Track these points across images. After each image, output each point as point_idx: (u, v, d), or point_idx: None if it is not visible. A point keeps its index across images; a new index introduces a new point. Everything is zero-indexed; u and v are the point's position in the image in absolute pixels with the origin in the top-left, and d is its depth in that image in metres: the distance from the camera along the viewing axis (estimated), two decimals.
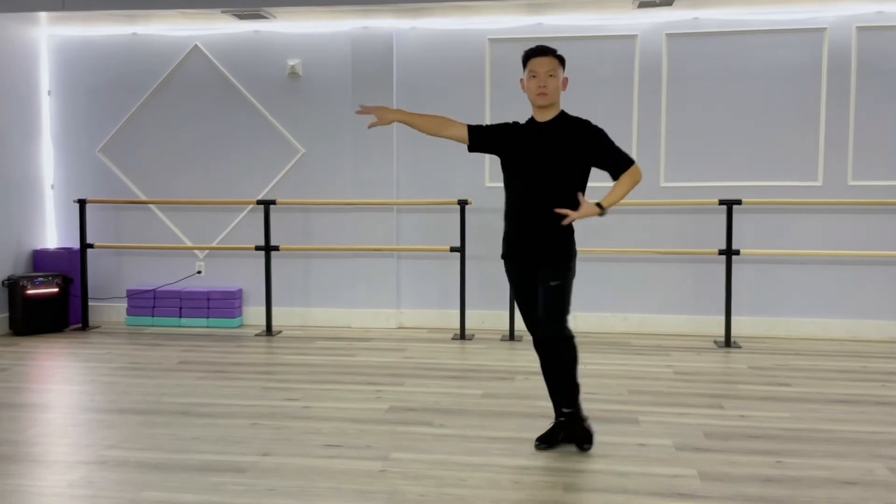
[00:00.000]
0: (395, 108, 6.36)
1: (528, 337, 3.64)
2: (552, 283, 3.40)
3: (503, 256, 3.58)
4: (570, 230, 3.46)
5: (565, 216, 3.37)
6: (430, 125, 3.59)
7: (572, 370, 3.47)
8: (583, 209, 3.35)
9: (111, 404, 4.34)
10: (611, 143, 3.44)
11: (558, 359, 3.44)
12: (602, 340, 6.01)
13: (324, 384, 4.75)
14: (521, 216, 3.48)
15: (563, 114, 3.47)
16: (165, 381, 4.83)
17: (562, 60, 3.45)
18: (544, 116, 3.45)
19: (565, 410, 3.50)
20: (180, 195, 6.76)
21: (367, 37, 6.42)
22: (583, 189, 3.44)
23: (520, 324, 5.85)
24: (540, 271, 3.45)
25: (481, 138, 3.56)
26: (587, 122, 3.46)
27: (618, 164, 3.42)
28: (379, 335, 6.25)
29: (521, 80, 3.49)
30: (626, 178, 3.41)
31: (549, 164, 3.39)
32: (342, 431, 3.83)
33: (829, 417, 4.05)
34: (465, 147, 3.66)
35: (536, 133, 3.46)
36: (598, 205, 3.37)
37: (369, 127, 3.68)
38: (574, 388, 3.50)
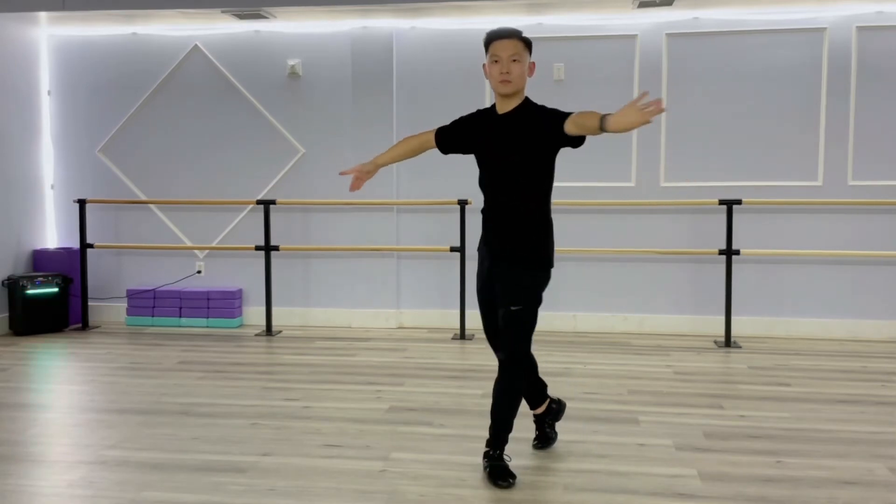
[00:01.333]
0: (395, 114, 6.41)
1: None
2: (512, 308, 3.12)
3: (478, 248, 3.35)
4: (544, 231, 3.19)
5: (535, 215, 3.15)
6: (409, 150, 3.41)
7: (511, 402, 3.19)
8: (629, 116, 2.74)
9: (111, 404, 4.34)
10: (548, 110, 3.09)
11: (501, 382, 3.20)
12: (602, 340, 6.01)
13: (324, 384, 4.75)
14: (491, 211, 3.24)
15: (525, 102, 3.17)
16: (165, 381, 4.83)
17: (528, 43, 3.14)
18: (506, 106, 3.17)
19: (486, 450, 3.22)
20: (180, 195, 6.76)
21: (366, 37, 6.42)
22: (550, 180, 3.18)
23: None
24: (501, 282, 3.17)
25: (448, 140, 3.34)
26: (543, 108, 3.14)
27: (556, 120, 3.00)
28: (379, 335, 6.25)
29: (484, 65, 3.19)
30: (582, 115, 2.93)
31: (509, 158, 3.12)
32: (342, 431, 3.83)
33: (829, 417, 4.06)
34: None
35: (496, 125, 3.18)
36: (602, 120, 2.82)
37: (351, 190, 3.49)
38: (503, 424, 3.21)
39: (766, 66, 6.09)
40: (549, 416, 3.58)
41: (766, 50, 6.09)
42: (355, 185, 3.44)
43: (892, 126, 6.01)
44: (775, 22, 6.05)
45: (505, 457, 3.23)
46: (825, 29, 5.99)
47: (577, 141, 3.06)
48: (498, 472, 3.16)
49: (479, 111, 3.35)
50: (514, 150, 3.14)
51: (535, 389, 3.53)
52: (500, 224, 3.22)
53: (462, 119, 3.36)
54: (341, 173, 3.53)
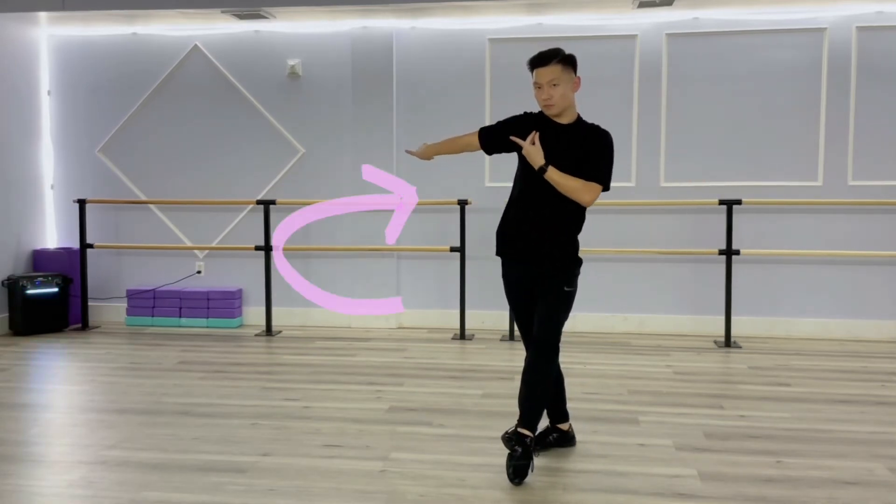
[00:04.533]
0: (395, 115, 6.42)
1: None
2: (566, 289, 3.29)
3: (499, 254, 3.44)
4: (575, 236, 3.36)
5: (571, 223, 3.30)
6: (454, 147, 3.58)
7: (548, 387, 3.32)
8: (535, 149, 3.19)
9: (111, 404, 4.34)
10: (601, 157, 3.26)
11: (539, 369, 3.29)
12: (602, 340, 6.01)
13: (324, 384, 4.75)
14: (528, 214, 3.32)
15: (579, 120, 3.33)
16: (165, 381, 4.83)
17: (567, 61, 3.26)
18: (562, 119, 3.31)
19: (520, 430, 3.22)
20: (180, 195, 6.76)
21: (367, 37, 6.42)
22: None
23: None
24: (548, 274, 3.30)
25: (493, 140, 3.43)
26: (596, 128, 3.31)
27: (587, 174, 3.23)
28: (379, 335, 6.25)
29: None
30: (581, 182, 3.20)
31: (562, 168, 3.22)
32: (342, 431, 3.83)
33: (829, 417, 4.06)
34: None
35: (556, 133, 3.28)
36: (546, 165, 3.18)
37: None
38: (539, 409, 3.30)
39: (766, 66, 6.09)
40: (559, 436, 3.59)
41: (766, 50, 6.09)
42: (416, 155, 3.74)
43: (892, 126, 6.01)
44: (775, 22, 6.05)
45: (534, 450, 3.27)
46: (825, 29, 5.99)
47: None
48: (520, 470, 3.17)
49: (527, 114, 3.42)
50: (566, 162, 3.23)
51: (560, 403, 3.60)
52: (541, 230, 3.30)
53: (510, 120, 3.44)
54: (407, 151, 3.75)
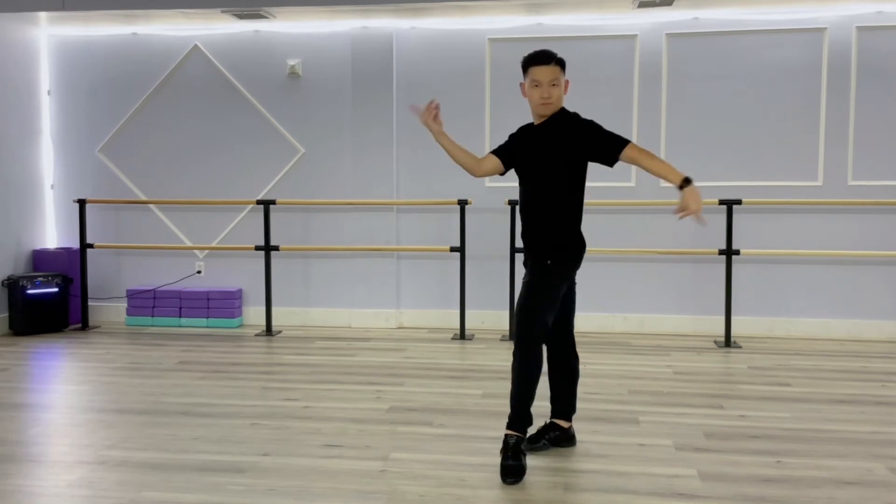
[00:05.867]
0: (395, 114, 6.42)
1: None
2: (524, 280, 3.38)
3: None
4: (567, 231, 3.34)
5: (561, 216, 3.33)
6: (466, 162, 3.52)
7: (520, 386, 3.27)
8: (689, 200, 3.05)
9: (111, 404, 4.34)
10: (600, 131, 3.27)
11: (513, 366, 3.31)
12: (602, 340, 6.01)
13: (324, 384, 4.75)
14: (524, 217, 3.46)
15: (560, 112, 3.37)
16: (165, 381, 4.83)
17: (563, 65, 3.35)
18: (541, 120, 3.39)
19: (506, 432, 3.28)
20: (180, 195, 6.76)
21: (367, 37, 6.42)
22: (581, 186, 3.36)
23: None
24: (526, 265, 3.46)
25: (509, 157, 3.48)
26: (576, 117, 3.34)
27: (611, 150, 3.23)
28: (379, 335, 6.25)
29: (522, 84, 3.40)
30: (646, 157, 3.17)
31: (540, 166, 3.31)
32: (342, 431, 3.83)
33: (829, 417, 4.06)
34: None
35: (533, 136, 3.41)
36: (683, 182, 3.08)
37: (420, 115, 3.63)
38: (514, 409, 3.29)
39: (766, 66, 6.09)
40: (559, 434, 3.59)
41: (766, 50, 6.09)
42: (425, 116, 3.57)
43: (892, 126, 6.01)
44: (775, 22, 6.05)
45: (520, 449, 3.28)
46: (825, 29, 5.99)
47: (613, 163, 3.31)
48: (507, 470, 3.19)
49: (524, 126, 3.50)
50: (544, 158, 3.32)
51: (565, 399, 3.59)
52: (531, 229, 3.40)
53: (512, 136, 3.54)
54: (410, 107, 3.73)
